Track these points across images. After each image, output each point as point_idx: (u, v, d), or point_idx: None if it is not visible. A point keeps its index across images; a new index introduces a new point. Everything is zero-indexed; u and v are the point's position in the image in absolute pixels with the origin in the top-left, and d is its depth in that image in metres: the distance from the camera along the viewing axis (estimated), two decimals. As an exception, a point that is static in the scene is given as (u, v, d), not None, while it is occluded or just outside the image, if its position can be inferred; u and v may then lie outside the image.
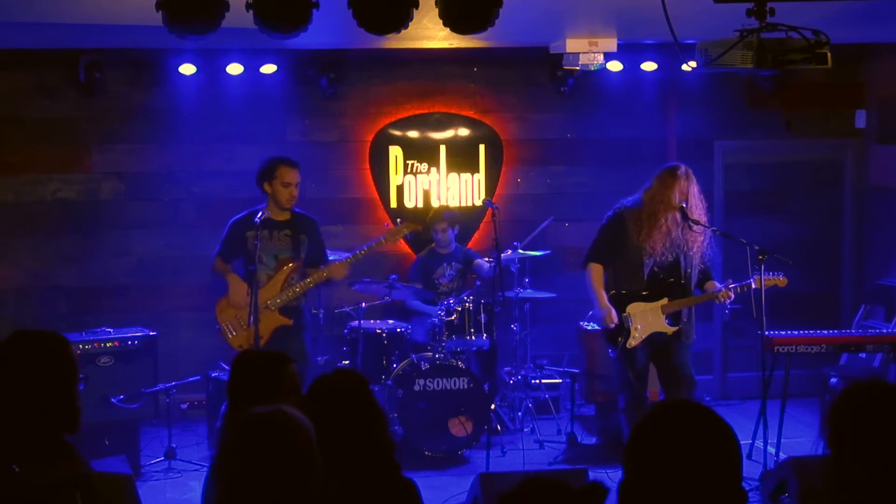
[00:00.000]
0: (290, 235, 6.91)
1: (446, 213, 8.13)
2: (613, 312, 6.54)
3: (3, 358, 2.98)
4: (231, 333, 6.83)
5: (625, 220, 6.55)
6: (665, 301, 6.57)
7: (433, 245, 8.18)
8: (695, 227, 6.50)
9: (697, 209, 6.54)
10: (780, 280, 6.70)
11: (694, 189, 6.54)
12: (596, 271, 6.64)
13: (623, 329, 6.55)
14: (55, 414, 2.94)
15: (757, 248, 6.57)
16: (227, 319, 6.85)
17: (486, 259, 7.93)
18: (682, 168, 6.55)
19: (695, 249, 6.55)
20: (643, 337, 6.56)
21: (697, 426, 2.31)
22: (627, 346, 6.55)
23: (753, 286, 6.52)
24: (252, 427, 2.54)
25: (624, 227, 6.54)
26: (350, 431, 3.19)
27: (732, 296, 6.58)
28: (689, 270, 6.57)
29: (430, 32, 6.80)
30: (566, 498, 2.29)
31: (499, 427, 7.77)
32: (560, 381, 8.25)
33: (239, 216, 6.98)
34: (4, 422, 2.92)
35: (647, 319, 6.56)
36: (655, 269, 6.53)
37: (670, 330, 6.60)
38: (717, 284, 6.65)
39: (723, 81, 8.62)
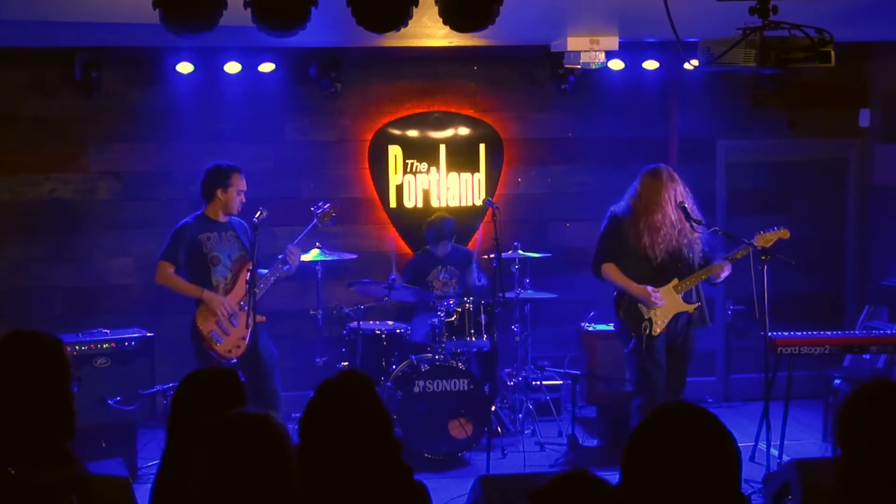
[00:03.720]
0: (236, 236, 7.03)
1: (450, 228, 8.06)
2: (649, 288, 6.48)
3: None
4: (218, 342, 6.86)
5: (623, 228, 6.54)
6: (675, 281, 6.54)
7: (428, 246, 8.13)
8: (697, 228, 6.46)
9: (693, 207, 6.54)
10: (783, 232, 6.63)
11: (680, 188, 6.53)
12: (612, 268, 6.59)
13: (644, 319, 6.50)
14: (51, 416, 2.92)
15: (759, 248, 6.53)
16: (211, 327, 6.88)
17: (484, 260, 7.88)
18: (664, 171, 6.54)
19: (694, 240, 6.53)
20: (667, 321, 6.52)
21: (695, 429, 2.30)
22: (654, 333, 6.49)
23: (757, 245, 6.49)
24: (244, 429, 2.46)
25: (624, 234, 6.53)
26: (360, 432, 3.14)
27: (727, 267, 6.53)
28: (691, 255, 6.56)
29: (430, 30, 6.76)
30: (608, 495, 2.28)
31: (499, 429, 7.71)
32: (561, 382, 8.20)
33: (186, 220, 7.04)
34: (1, 424, 2.89)
35: (664, 302, 6.52)
36: (662, 261, 6.51)
37: (691, 307, 6.56)
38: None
39: (725, 80, 8.57)
